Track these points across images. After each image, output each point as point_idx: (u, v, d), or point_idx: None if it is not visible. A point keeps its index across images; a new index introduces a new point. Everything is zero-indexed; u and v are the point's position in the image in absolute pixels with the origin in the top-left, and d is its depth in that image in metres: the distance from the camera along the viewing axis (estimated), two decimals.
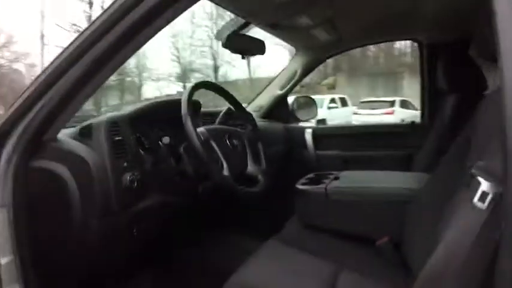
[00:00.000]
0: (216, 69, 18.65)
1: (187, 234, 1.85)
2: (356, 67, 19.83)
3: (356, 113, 12.64)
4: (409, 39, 2.28)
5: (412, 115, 11.65)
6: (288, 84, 2.35)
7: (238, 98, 1.50)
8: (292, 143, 2.33)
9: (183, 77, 17.95)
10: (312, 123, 2.62)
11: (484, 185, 0.62)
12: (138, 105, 1.34)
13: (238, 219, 2.12)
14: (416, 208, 1.26)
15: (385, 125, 2.43)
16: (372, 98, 14.08)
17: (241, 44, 1.50)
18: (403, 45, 18.65)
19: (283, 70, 2.37)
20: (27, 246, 0.99)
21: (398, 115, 11.59)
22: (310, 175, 1.74)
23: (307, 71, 2.32)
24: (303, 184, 1.60)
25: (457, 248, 0.65)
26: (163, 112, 1.36)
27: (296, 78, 2.32)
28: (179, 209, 1.36)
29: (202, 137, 1.16)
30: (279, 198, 1.90)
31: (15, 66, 14.13)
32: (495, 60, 0.86)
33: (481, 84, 1.65)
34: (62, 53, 0.93)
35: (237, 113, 1.54)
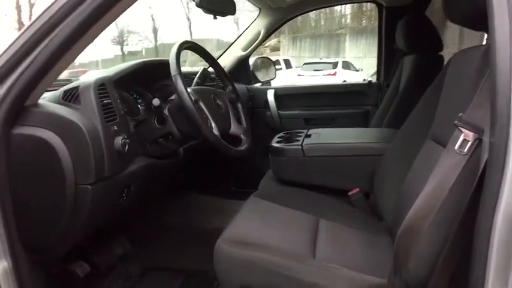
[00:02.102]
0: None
1: (172, 195, 1.86)
2: (298, 29, 19.96)
3: (300, 75, 12.81)
4: (369, 1, 2.36)
5: (354, 76, 12.08)
6: (251, 45, 2.36)
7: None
8: (255, 103, 2.37)
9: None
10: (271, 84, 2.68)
11: (466, 134, 0.71)
12: (121, 67, 1.30)
13: (219, 179, 2.16)
14: (386, 161, 1.37)
15: (343, 85, 2.54)
16: (314, 60, 14.33)
17: (214, 5, 1.48)
18: (343, 7, 18.99)
19: (245, 31, 2.36)
20: (12, 217, 0.95)
21: (340, 76, 11.92)
22: (281, 134, 1.81)
23: (270, 31, 2.34)
24: (278, 142, 1.66)
25: (437, 193, 0.73)
26: (148, 73, 1.33)
27: (259, 39, 2.33)
28: (160, 171, 1.36)
29: (192, 97, 1.15)
30: (250, 157, 1.96)
31: None
32: (464, 23, 0.95)
33: (437, 44, 1.78)
34: (42, 13, 0.88)
35: (217, 74, 1.55)
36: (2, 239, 0.93)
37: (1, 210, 0.92)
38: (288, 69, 13.78)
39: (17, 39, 0.89)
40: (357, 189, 1.44)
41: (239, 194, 1.71)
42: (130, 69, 1.31)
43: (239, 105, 1.50)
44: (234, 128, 1.39)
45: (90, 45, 0.97)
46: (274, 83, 2.79)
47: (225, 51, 2.41)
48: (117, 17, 0.95)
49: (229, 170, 2.20)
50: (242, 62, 2.40)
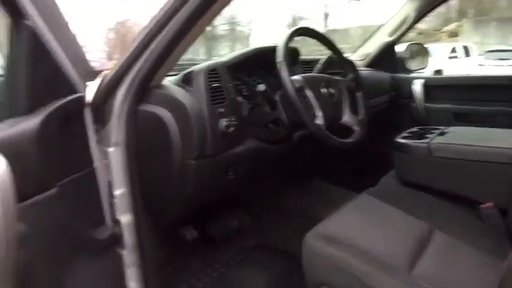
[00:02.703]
0: (326, 16, 17.92)
1: (279, 181, 1.90)
2: (485, 10, 17.26)
3: (480, 65, 11.17)
4: None
5: None
6: (398, 30, 2.16)
7: (347, 47, 1.44)
8: (399, 93, 2.18)
9: (292, 25, 17.67)
10: (423, 73, 2.41)
11: None
12: (237, 53, 1.37)
13: (329, 170, 2.11)
14: None
15: (509, 77, 2.11)
16: (501, 47, 12.24)
17: None
18: None
19: (394, 15, 2.18)
20: (137, 180, 1.12)
21: None
22: (413, 129, 1.63)
23: (420, 16, 2.10)
24: (404, 138, 1.51)
25: None
26: (261, 59, 1.37)
27: (408, 24, 2.12)
28: (272, 156, 1.40)
29: (296, 84, 1.14)
30: (376, 151, 1.83)
31: None
32: None
33: None
34: (164, 6, 0.99)
35: (338, 61, 1.48)
36: (128, 197, 1.10)
37: (129, 172, 1.09)
38: (467, 58, 12.16)
39: (143, 30, 1.03)
40: (491, 204, 1.21)
41: (355, 189, 1.63)
42: (245, 55, 1.37)
43: (358, 94, 1.41)
44: (346, 118, 1.32)
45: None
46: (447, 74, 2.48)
47: (369, 38, 2.28)
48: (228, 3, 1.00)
49: (351, 161, 2.10)
50: (387, 48, 2.23)
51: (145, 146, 1.11)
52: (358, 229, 1.06)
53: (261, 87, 1.23)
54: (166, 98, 1.09)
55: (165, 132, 1.07)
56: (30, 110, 0.83)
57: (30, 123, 0.80)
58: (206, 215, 1.55)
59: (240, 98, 1.27)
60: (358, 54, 2.29)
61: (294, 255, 1.60)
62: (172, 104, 1.08)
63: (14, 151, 0.75)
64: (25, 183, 0.77)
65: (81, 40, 1.06)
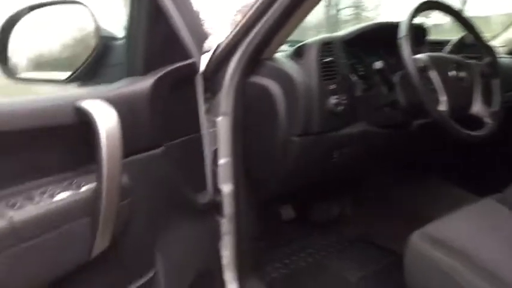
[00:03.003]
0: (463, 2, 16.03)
1: (389, 172, 1.76)
2: None
3: None
4: None
5: None
6: None
7: (487, 36, 1.23)
8: None
9: None
10: None
11: None
12: (355, 27, 1.27)
13: (449, 167, 1.88)
14: None
15: None
16: None
17: None
18: None
19: None
20: (241, 151, 1.13)
21: None
22: None
23: None
24: None
25: None
26: (382, 35, 1.26)
27: None
28: (384, 143, 1.28)
29: (420, 64, 1.02)
30: (509, 152, 1.57)
31: None
32: None
33: None
34: None
35: (474, 42, 1.28)
36: (231, 167, 1.13)
37: (234, 143, 1.11)
38: None
39: (256, 1, 1.01)
40: None
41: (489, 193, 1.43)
42: (364, 30, 1.26)
43: (495, 82, 1.20)
44: (476, 108, 1.13)
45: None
46: None
47: None
48: None
49: (475, 158, 1.83)
50: None
51: (252, 118, 1.11)
52: (475, 237, 0.91)
53: (378, 64, 1.12)
54: (275, 70, 1.06)
55: (272, 106, 1.06)
56: (145, 71, 0.88)
57: (145, 83, 0.85)
58: (307, 198, 1.51)
59: (354, 77, 1.18)
60: (499, 41, 1.97)
61: (395, 255, 1.48)
62: (281, 77, 1.05)
63: (127, 108, 0.79)
64: (134, 140, 0.82)
65: (207, 18, 1.09)
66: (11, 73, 0.93)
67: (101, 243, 0.70)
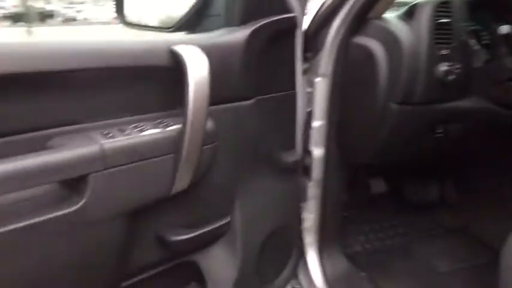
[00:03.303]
0: None
1: (507, 161, 1.54)
2: None
3: None
4: None
5: None
6: None
7: None
8: None
9: None
10: None
11: None
12: None
13: None
14: None
15: None
16: None
17: None
18: None
19: None
20: (336, 115, 1.10)
21: None
22: None
23: None
24: None
25: None
26: None
27: None
28: (505, 125, 1.12)
29: None
30: None
31: None
32: None
33: None
34: None
35: None
36: (324, 130, 1.10)
37: (330, 106, 1.08)
38: None
39: None
40: None
41: None
42: None
43: None
44: None
45: None
46: None
47: None
48: None
49: None
50: None
51: (350, 81, 1.06)
52: None
53: (505, 28, 0.96)
54: (381, 30, 0.99)
55: (374, 69, 0.99)
56: (243, 22, 0.88)
57: (240, 34, 0.85)
58: (402, 174, 1.41)
59: (475, 44, 1.04)
60: None
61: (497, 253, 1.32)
62: (386, 38, 0.97)
63: (220, 57, 0.81)
64: (225, 89, 0.84)
65: None
66: (125, 20, 1.02)
67: (181, 182, 0.75)
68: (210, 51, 0.76)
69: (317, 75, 1.07)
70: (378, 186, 1.37)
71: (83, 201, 0.63)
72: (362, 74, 1.03)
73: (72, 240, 0.64)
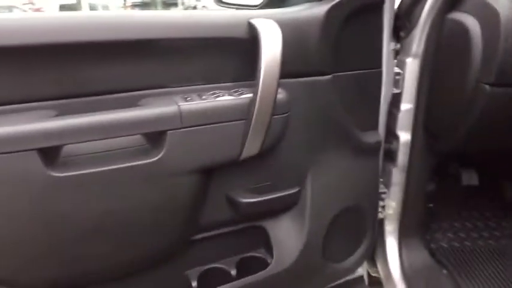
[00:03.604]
0: None
1: None
2: None
3: None
4: None
5: None
6: None
7: None
8: None
9: None
10: None
11: None
12: None
13: None
14: None
15: None
16: None
17: None
18: None
19: None
20: (425, 99, 1.03)
21: None
22: None
23: None
24: None
25: None
26: None
27: None
28: None
29: None
30: None
31: None
32: None
33: None
34: None
35: None
36: (412, 114, 1.06)
37: (420, 89, 1.02)
38: None
39: None
40: None
41: None
42: None
43: None
44: None
45: None
46: None
47: None
48: None
49: None
50: None
51: (441, 61, 0.99)
52: None
53: None
54: (479, 4, 0.90)
55: (467, 47, 0.91)
56: None
57: (319, 9, 0.85)
58: (498, 166, 1.25)
59: None
60: None
61: None
62: (484, 12, 0.88)
63: (297, 31, 0.83)
64: (301, 63, 0.85)
65: None
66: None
67: (251, 148, 0.79)
68: (286, 25, 0.79)
69: (408, 56, 1.02)
70: (470, 178, 1.24)
71: (161, 154, 0.72)
72: (453, 53, 0.95)
73: (149, 188, 0.74)
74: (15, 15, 0.70)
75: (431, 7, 0.95)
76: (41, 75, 0.69)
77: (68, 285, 0.79)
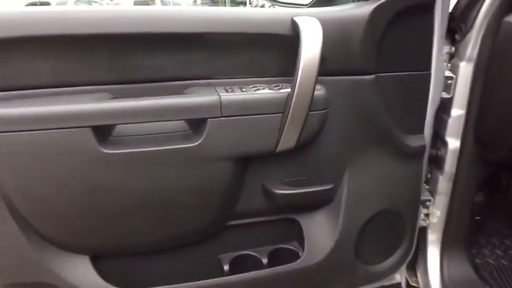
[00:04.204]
0: None
1: None
2: None
3: None
4: None
5: None
6: None
7: None
8: None
9: None
10: None
11: None
12: None
13: None
14: None
15: None
16: None
17: None
18: None
19: None
20: (477, 105, 0.99)
21: None
22: None
23: None
24: None
25: None
26: None
27: None
28: None
29: None
30: None
31: None
32: None
33: None
34: None
35: None
36: (463, 121, 1.02)
37: (473, 95, 0.98)
38: None
39: None
40: None
41: None
42: None
43: None
44: None
45: None
46: None
47: None
48: None
49: None
50: None
51: (498, 66, 0.95)
52: None
53: None
54: None
55: None
56: None
57: (364, 8, 0.85)
58: None
59: None
60: None
61: None
62: None
63: (340, 30, 0.84)
64: (343, 61, 0.86)
65: None
66: None
67: (287, 141, 0.82)
68: (329, 23, 0.80)
69: (462, 60, 0.98)
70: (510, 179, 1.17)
71: (201, 140, 0.77)
72: (509, 58, 0.91)
73: (188, 171, 0.80)
74: (77, 8, 0.79)
75: (488, 9, 0.91)
76: (99, 62, 0.77)
77: (109, 253, 0.88)
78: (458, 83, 1.00)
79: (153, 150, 0.76)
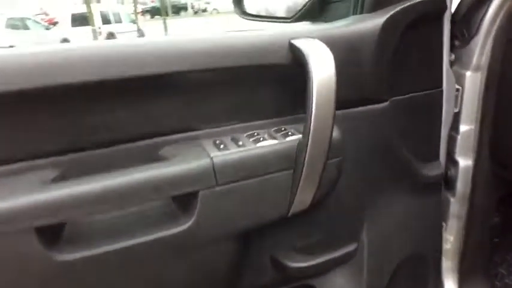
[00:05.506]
0: None
1: None
2: None
3: None
4: None
5: None
6: None
7: None
8: None
9: None
10: None
11: None
12: None
13: None
14: None
15: None
16: None
17: None
18: None
19: None
20: (490, 117, 0.88)
21: None
22: None
23: None
24: None
25: None
26: None
27: None
28: None
29: None
30: None
31: None
32: None
33: None
34: None
35: None
36: (475, 136, 0.90)
37: (484, 106, 0.87)
38: None
39: None
40: None
41: None
42: None
43: None
44: None
45: None
46: None
47: None
48: None
49: None
50: None
51: (507, 74, 0.84)
52: None
53: None
54: None
55: None
56: (375, 7, 0.72)
57: (373, 22, 0.70)
58: None
59: None
60: None
61: None
62: None
63: (348, 51, 0.68)
64: (354, 89, 0.70)
65: None
66: (242, 11, 0.95)
67: (301, 201, 0.64)
68: (335, 43, 0.63)
69: (467, 69, 0.86)
70: None
71: (192, 220, 0.57)
72: None
73: (178, 263, 0.59)
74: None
75: (495, 13, 0.80)
76: (37, 126, 0.55)
77: None
78: (466, 95, 0.87)
79: (126, 247, 0.54)
